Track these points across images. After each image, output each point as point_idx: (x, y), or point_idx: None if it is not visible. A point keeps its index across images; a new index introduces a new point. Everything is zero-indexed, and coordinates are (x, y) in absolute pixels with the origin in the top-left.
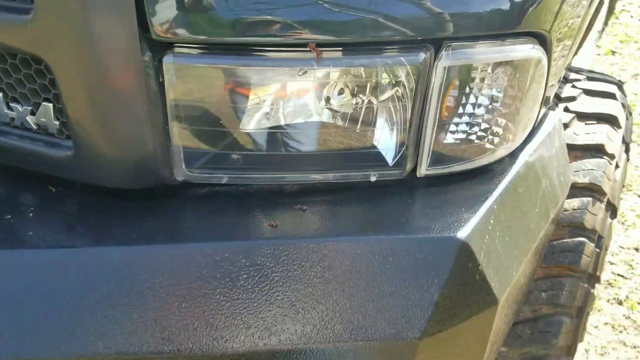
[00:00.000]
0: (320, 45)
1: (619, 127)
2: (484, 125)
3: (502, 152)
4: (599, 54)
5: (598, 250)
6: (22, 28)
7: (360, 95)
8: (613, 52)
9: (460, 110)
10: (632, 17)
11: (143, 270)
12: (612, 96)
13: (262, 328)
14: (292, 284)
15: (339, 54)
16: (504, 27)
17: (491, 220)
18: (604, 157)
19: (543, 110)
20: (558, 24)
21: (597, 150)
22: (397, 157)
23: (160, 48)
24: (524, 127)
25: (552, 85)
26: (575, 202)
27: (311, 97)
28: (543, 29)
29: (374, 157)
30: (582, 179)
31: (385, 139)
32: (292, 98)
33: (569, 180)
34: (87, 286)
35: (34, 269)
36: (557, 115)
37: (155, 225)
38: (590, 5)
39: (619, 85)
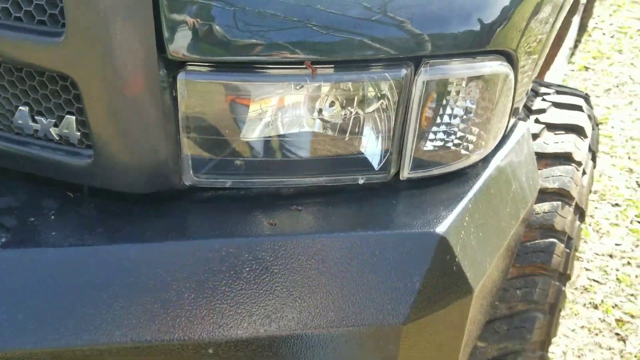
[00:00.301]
0: (314, 63)
1: (586, 136)
2: (459, 134)
3: (475, 157)
4: (572, 70)
5: (568, 250)
6: (53, 49)
7: (349, 107)
8: (586, 68)
9: (438, 120)
10: (604, 34)
11: (157, 265)
12: (579, 108)
13: (263, 316)
14: (289, 275)
15: (331, 70)
16: (475, 46)
17: (466, 218)
18: (572, 164)
19: (513, 120)
20: (524, 43)
21: (565, 158)
22: (382, 163)
23: (173, 66)
24: (494, 135)
25: (520, 97)
26: (545, 206)
27: (305, 109)
28: (510, 48)
29: (362, 163)
30: (552, 185)
31: (372, 146)
32: (289, 110)
33: (537, 184)
34: (106, 281)
35: (58, 265)
36: (526, 125)
37: (166, 225)
38: (554, 25)
39: (586, 98)
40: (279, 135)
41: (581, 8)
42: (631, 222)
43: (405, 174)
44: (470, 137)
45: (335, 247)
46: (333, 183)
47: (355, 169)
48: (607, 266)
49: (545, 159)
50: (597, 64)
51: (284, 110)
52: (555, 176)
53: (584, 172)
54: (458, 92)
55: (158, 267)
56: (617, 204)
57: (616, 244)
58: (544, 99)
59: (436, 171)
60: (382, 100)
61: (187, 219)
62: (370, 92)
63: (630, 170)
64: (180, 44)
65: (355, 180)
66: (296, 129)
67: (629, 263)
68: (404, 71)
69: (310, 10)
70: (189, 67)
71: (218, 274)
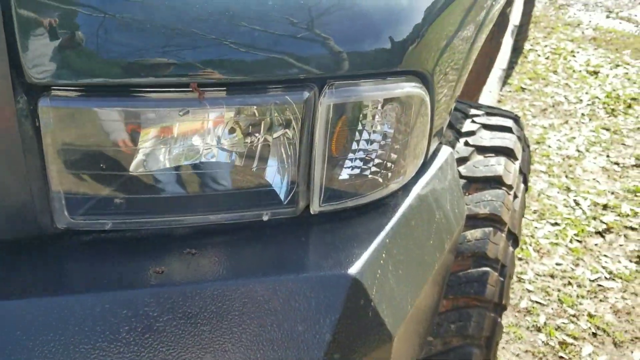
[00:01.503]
0: (203, 85)
1: (516, 158)
2: (375, 160)
3: (394, 186)
4: (509, 91)
5: (502, 279)
6: None
7: (251, 134)
8: (523, 89)
9: (352, 146)
10: (539, 55)
11: (17, 326)
12: (509, 130)
13: None
14: (177, 334)
15: (223, 93)
16: (385, 66)
17: (383, 255)
18: (503, 188)
19: (435, 144)
20: (440, 63)
21: (495, 182)
22: (290, 195)
23: (37, 91)
24: (414, 162)
25: (441, 119)
26: (477, 233)
27: (199, 137)
28: (424, 69)
29: (267, 196)
30: (483, 210)
31: (277, 178)
32: (178, 139)
33: (463, 212)
34: None
35: None
36: (449, 149)
37: (33, 277)
38: (472, 46)
39: (516, 119)
40: (168, 168)
41: (515, 30)
42: (570, 241)
43: (315, 207)
44: (387, 163)
45: (232, 296)
46: (235, 220)
47: (260, 204)
48: (548, 287)
49: (476, 182)
50: (533, 84)
51: (172, 140)
52: (485, 201)
53: (515, 196)
54: (372, 116)
55: (19, 328)
56: (556, 223)
57: (557, 264)
58: (473, 121)
59: (350, 203)
60: (285, 127)
61: (57, 270)
62: (272, 118)
63: (568, 189)
64: (40, 65)
65: (260, 217)
66: (189, 160)
67: (569, 283)
68: (306, 94)
69: (198, 23)
70: (54, 92)
71: (91, 335)
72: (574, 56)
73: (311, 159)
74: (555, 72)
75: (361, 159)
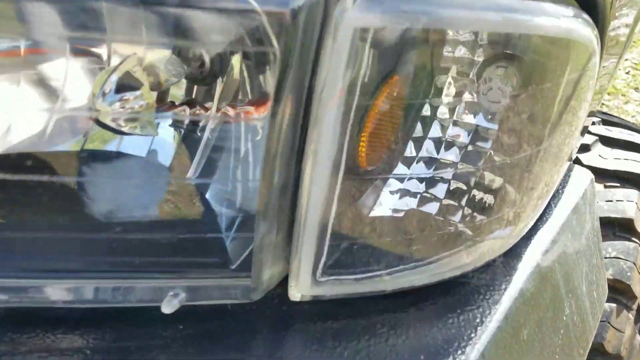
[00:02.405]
0: None
1: None
2: (459, 184)
3: (491, 246)
4: None
5: None
6: None
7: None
8: (601, 105)
9: (407, 147)
10: (619, 70)
11: None
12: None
13: None
14: None
15: None
16: None
17: None
18: (634, 238)
19: (566, 165)
20: None
21: (623, 228)
22: (247, 252)
23: None
24: (541, 193)
25: (595, 103)
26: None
27: None
28: None
29: (194, 247)
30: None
31: (219, 202)
32: None
33: (605, 294)
34: None
35: None
36: (588, 174)
37: None
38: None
39: None
40: None
41: None
42: None
43: (304, 285)
44: (485, 194)
45: None
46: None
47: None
48: None
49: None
50: (612, 100)
51: None
52: (607, 258)
53: None
54: (466, 75)
55: None
56: None
57: None
58: (586, 129)
59: (389, 282)
60: (245, 87)
61: None
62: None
63: None
64: None
65: (159, 299)
66: None
67: None
68: None
69: None
70: None
71: None
72: None
73: (302, 165)
74: (637, 89)
75: (426, 181)
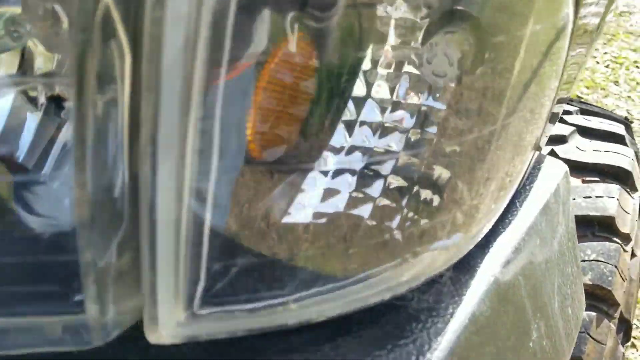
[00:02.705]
0: None
1: (635, 189)
2: (396, 179)
3: (440, 257)
4: None
5: None
6: None
7: None
8: (579, 98)
9: (325, 126)
10: (598, 63)
11: None
12: (620, 140)
13: None
14: None
15: None
16: None
17: None
18: (615, 238)
19: (533, 151)
20: None
21: (604, 228)
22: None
23: None
24: (501, 187)
25: (568, 85)
26: None
27: None
28: None
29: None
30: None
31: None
32: None
33: (581, 312)
34: None
35: None
36: (562, 166)
37: None
38: None
39: (627, 124)
40: None
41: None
42: None
43: (166, 326)
44: (426, 188)
45: None
46: None
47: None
48: None
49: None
50: (591, 94)
51: None
52: (586, 261)
53: (633, 254)
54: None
55: None
56: None
57: None
58: (562, 120)
59: (315, 310)
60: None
61: None
62: None
63: None
64: None
65: None
66: None
67: None
68: None
69: None
70: None
71: None
72: (637, 67)
73: (155, 159)
74: (616, 82)
75: (347, 172)
